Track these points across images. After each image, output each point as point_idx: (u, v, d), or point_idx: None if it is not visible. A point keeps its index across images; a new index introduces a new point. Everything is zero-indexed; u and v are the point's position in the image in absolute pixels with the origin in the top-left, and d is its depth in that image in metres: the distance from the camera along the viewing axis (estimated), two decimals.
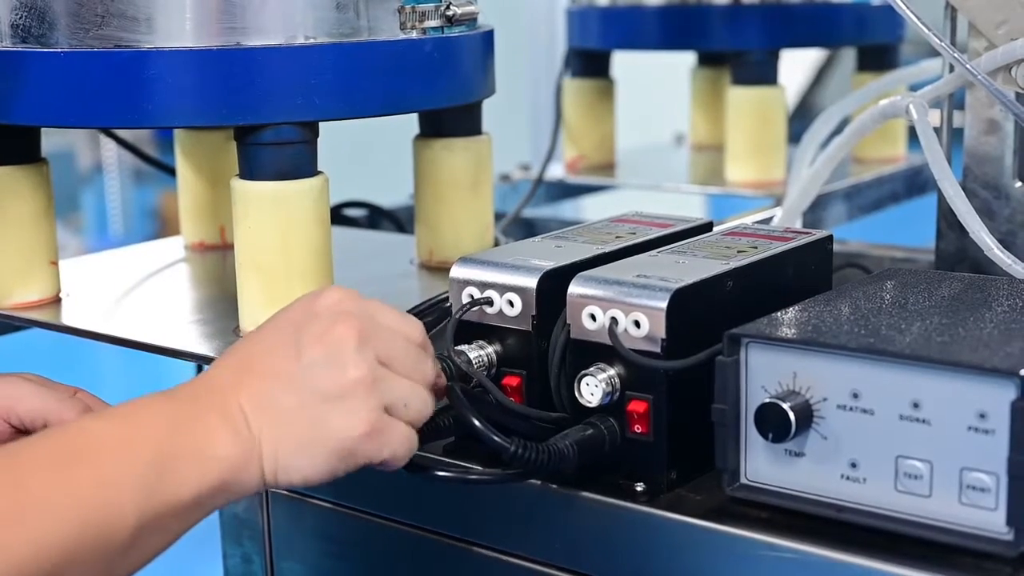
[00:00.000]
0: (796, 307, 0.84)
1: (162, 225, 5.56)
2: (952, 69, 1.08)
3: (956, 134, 1.12)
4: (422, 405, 0.78)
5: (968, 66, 1.03)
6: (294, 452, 0.74)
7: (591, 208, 2.05)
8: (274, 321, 0.79)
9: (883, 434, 0.75)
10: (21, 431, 0.86)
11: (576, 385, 0.83)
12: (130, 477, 0.69)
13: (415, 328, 0.80)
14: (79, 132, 5.56)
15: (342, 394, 0.74)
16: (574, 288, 0.85)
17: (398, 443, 0.76)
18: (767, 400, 0.78)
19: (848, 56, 1.86)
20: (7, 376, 0.88)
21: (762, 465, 0.80)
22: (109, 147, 5.79)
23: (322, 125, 1.02)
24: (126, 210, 5.94)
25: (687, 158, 1.85)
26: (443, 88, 1.07)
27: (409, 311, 1.02)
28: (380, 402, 0.75)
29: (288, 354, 0.75)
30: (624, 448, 0.83)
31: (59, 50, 0.98)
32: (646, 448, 0.83)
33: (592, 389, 0.83)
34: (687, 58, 1.88)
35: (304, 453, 0.74)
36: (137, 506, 0.68)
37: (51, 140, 1.16)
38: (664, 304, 0.81)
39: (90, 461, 0.69)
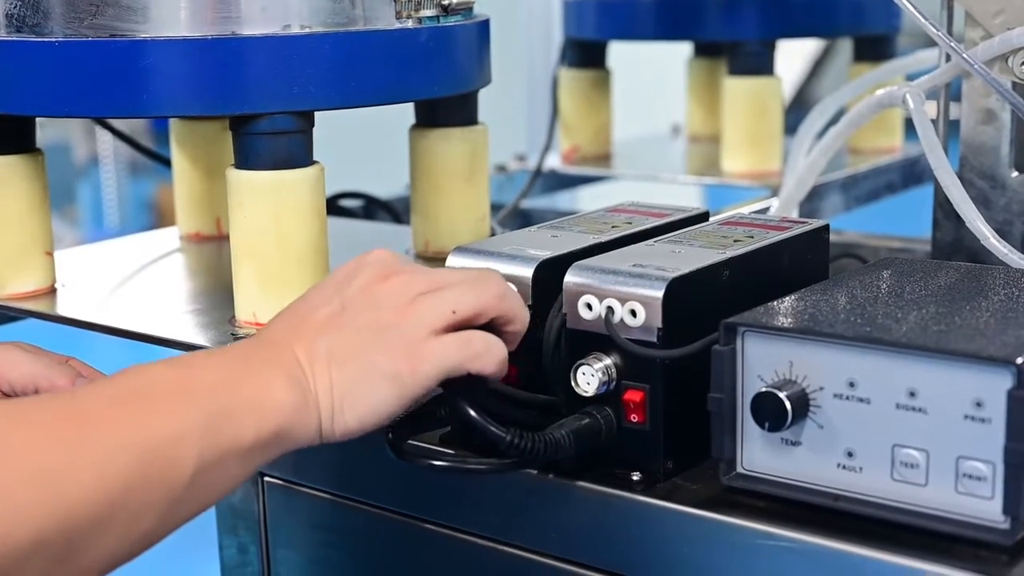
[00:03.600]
0: (792, 296, 0.84)
1: (158, 218, 5.56)
2: (948, 59, 1.07)
3: (952, 126, 1.12)
4: (474, 299, 0.79)
5: (965, 55, 1.03)
6: (347, 396, 0.75)
7: (587, 199, 2.05)
8: (323, 281, 0.82)
9: (879, 423, 0.75)
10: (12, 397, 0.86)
11: (572, 375, 0.83)
12: (191, 417, 0.69)
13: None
14: (75, 125, 5.55)
15: (381, 330, 0.76)
16: (570, 278, 0.85)
17: (449, 354, 0.77)
18: (763, 389, 0.77)
19: (844, 48, 1.86)
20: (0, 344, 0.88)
21: (758, 454, 0.80)
22: (105, 140, 5.78)
23: (318, 116, 1.02)
24: (122, 203, 5.94)
25: (683, 149, 1.85)
26: (439, 77, 1.07)
27: None
28: (421, 327, 0.77)
29: (334, 305, 0.78)
30: (620, 438, 0.83)
31: (54, 39, 0.97)
32: (642, 437, 0.83)
33: (588, 379, 0.83)
34: (683, 49, 1.88)
35: (357, 396, 0.75)
36: (198, 445, 0.69)
37: (47, 133, 1.16)
38: (660, 293, 0.81)
39: (151, 400, 0.70)
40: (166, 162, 1.40)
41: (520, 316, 0.82)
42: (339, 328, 0.77)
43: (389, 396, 0.76)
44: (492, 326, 0.81)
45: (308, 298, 0.81)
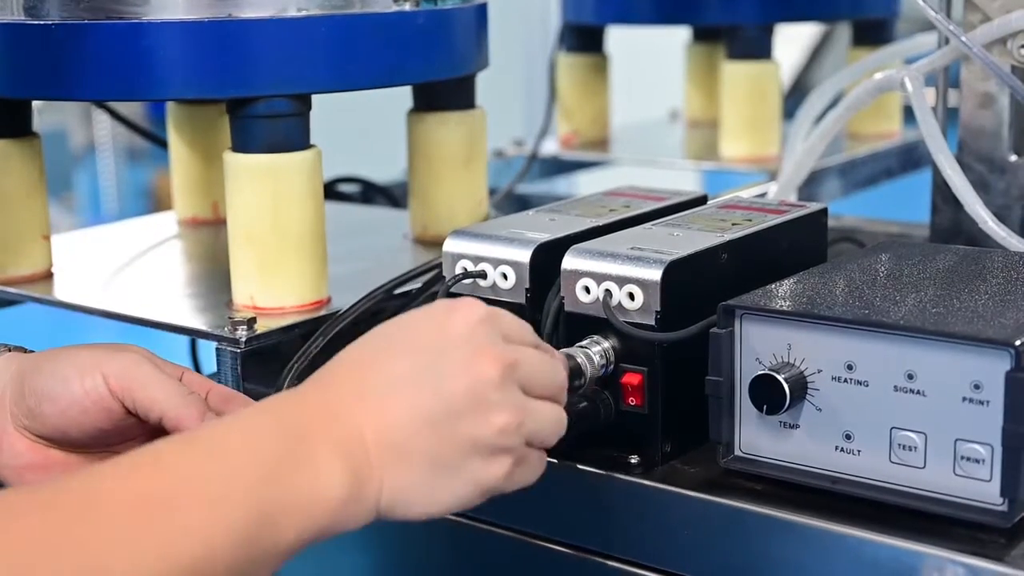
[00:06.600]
0: (791, 279, 0.84)
1: (156, 204, 5.55)
2: (947, 42, 1.07)
3: (951, 113, 1.11)
4: (558, 429, 0.73)
5: (963, 39, 1.02)
6: (422, 492, 0.68)
7: (585, 184, 2.04)
8: (402, 337, 0.71)
9: (877, 405, 0.75)
10: (131, 413, 0.80)
11: None
12: (224, 529, 0.61)
13: (532, 332, 0.75)
14: (72, 111, 5.54)
15: (487, 443, 0.69)
16: (568, 261, 0.85)
17: (531, 473, 0.72)
18: (761, 372, 0.77)
19: (842, 36, 1.86)
20: (122, 351, 0.81)
21: (756, 437, 0.80)
22: (102, 126, 5.76)
23: (316, 103, 1.02)
24: (120, 189, 5.93)
25: (682, 134, 1.85)
26: (436, 60, 1.07)
27: (402, 276, 1.02)
28: (522, 441, 0.70)
29: (426, 388, 0.68)
30: (619, 421, 0.83)
31: (50, 22, 0.97)
32: (641, 420, 0.83)
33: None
34: (682, 33, 1.87)
35: (434, 494, 0.68)
36: (234, 555, 0.61)
37: (43, 119, 1.16)
38: (658, 276, 0.81)
39: (179, 510, 0.60)
40: (163, 144, 1.40)
41: None
42: (428, 423, 0.68)
43: (464, 502, 0.70)
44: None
45: (387, 357, 0.70)
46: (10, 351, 0.84)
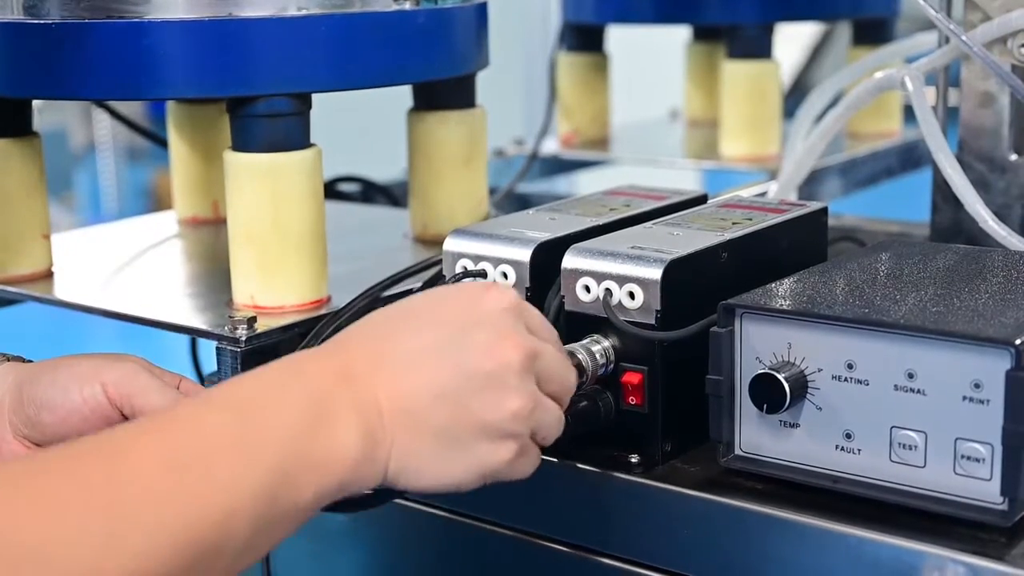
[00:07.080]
0: (791, 278, 0.84)
1: (156, 204, 5.55)
2: (947, 41, 1.07)
3: (951, 112, 1.11)
4: (559, 428, 0.74)
5: (963, 38, 1.02)
6: (429, 463, 0.69)
7: (585, 183, 2.04)
8: (430, 309, 0.73)
9: (878, 405, 0.75)
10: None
11: None
12: (249, 484, 0.62)
13: (555, 332, 0.77)
14: (72, 111, 5.54)
15: (498, 426, 0.70)
16: (568, 260, 0.85)
17: (531, 465, 0.74)
18: (762, 371, 0.77)
19: (843, 35, 1.86)
20: (120, 360, 0.82)
21: (757, 436, 0.80)
22: (102, 125, 5.77)
23: (316, 102, 1.02)
24: (120, 189, 5.93)
25: (682, 133, 1.85)
26: (436, 59, 1.07)
27: (397, 273, 1.03)
28: (528, 430, 0.72)
29: (447, 362, 0.70)
30: (619, 420, 0.83)
31: (50, 21, 0.97)
32: (641, 420, 0.83)
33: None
34: (682, 33, 1.87)
35: (441, 466, 0.70)
36: (254, 514, 0.62)
37: (43, 118, 1.16)
38: (659, 275, 0.81)
39: (205, 466, 0.62)
40: (163, 143, 1.40)
41: None
42: (444, 395, 0.69)
43: (465, 481, 0.71)
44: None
45: (415, 327, 0.71)
46: (8, 360, 0.84)
